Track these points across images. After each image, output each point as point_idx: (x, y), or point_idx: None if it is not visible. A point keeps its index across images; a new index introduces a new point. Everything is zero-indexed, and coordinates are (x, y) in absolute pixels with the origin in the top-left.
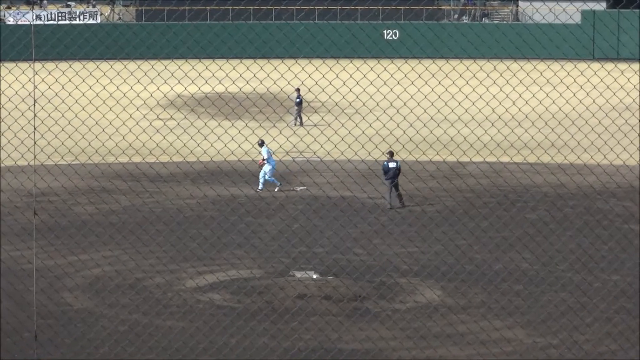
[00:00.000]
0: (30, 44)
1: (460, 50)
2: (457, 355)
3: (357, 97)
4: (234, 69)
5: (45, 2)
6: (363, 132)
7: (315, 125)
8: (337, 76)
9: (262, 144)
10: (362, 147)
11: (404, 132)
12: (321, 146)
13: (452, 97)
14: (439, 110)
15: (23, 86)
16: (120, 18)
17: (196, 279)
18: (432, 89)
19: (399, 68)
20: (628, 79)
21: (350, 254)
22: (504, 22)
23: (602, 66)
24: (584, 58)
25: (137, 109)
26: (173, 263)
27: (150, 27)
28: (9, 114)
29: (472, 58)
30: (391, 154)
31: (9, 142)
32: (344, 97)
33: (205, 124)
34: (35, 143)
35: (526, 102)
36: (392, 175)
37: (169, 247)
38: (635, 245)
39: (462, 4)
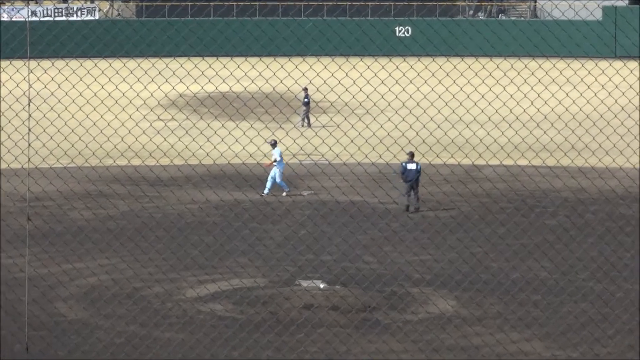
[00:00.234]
0: (25, 41)
1: (475, 47)
2: None
3: (367, 96)
4: (238, 67)
5: None
6: (374, 133)
7: (323, 126)
8: (346, 75)
9: (274, 144)
10: (373, 149)
11: (417, 133)
12: (330, 148)
13: (468, 96)
14: (453, 111)
15: (17, 85)
16: (119, 14)
17: (197, 289)
18: (447, 89)
19: (411, 66)
20: None
21: (359, 262)
22: (522, 18)
23: (625, 64)
24: (606, 56)
25: (137, 109)
26: (173, 271)
27: (150, 24)
28: (3, 114)
29: (489, 56)
30: (412, 154)
31: (1, 144)
32: (353, 97)
33: (208, 125)
34: (29, 145)
35: (545, 102)
36: (412, 178)
37: (169, 255)
38: None
39: (477, 0)
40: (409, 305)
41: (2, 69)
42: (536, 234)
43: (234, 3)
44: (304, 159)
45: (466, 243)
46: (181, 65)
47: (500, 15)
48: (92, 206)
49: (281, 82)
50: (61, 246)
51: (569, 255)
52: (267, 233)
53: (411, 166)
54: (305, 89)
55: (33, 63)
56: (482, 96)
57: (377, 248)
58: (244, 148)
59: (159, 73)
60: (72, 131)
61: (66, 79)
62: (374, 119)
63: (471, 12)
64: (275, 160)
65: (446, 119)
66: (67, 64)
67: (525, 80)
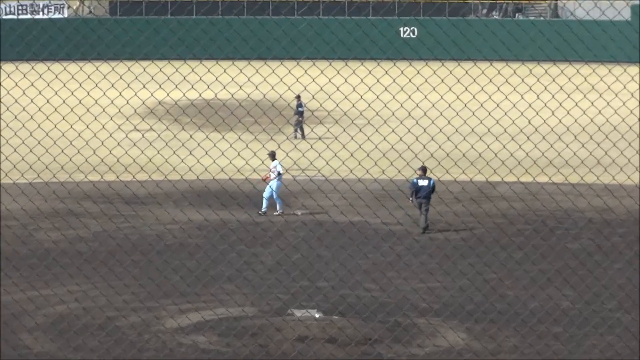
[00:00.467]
0: None
1: (489, 50)
2: None
3: (369, 105)
4: (224, 71)
5: None
6: (376, 146)
7: (319, 138)
8: (345, 81)
9: (273, 156)
10: (375, 164)
11: (424, 146)
12: (327, 163)
13: (481, 105)
14: (465, 122)
15: None
16: (91, 12)
17: (178, 318)
18: (457, 97)
19: (418, 71)
20: None
21: (359, 290)
22: (541, 18)
23: None
24: (635, 61)
25: (111, 119)
26: (151, 299)
27: (126, 23)
28: None
29: (504, 60)
30: (424, 169)
31: None
32: (353, 105)
33: (191, 136)
34: None
35: (567, 112)
36: (424, 196)
37: (147, 281)
38: None
39: None
40: (415, 338)
41: None
42: (557, 258)
43: (220, 0)
44: (298, 175)
45: (479, 269)
46: (160, 70)
47: (517, 14)
48: (60, 226)
49: (272, 88)
50: (26, 271)
51: (593, 283)
52: (257, 257)
53: (423, 182)
54: (299, 97)
55: None
56: (497, 105)
57: (380, 274)
58: (230, 162)
59: (136, 78)
60: (39, 143)
61: (32, 84)
62: (376, 130)
63: (484, 11)
64: (279, 174)
65: (457, 130)
66: (32, 68)
67: (545, 88)
